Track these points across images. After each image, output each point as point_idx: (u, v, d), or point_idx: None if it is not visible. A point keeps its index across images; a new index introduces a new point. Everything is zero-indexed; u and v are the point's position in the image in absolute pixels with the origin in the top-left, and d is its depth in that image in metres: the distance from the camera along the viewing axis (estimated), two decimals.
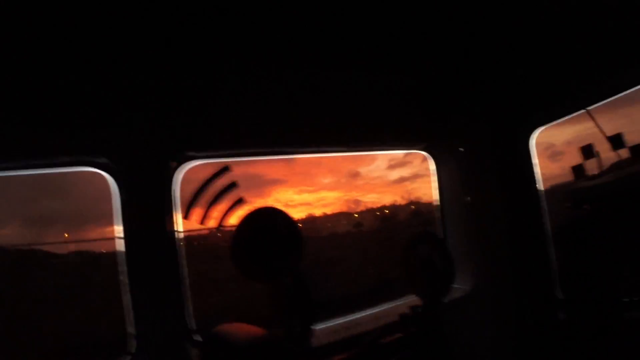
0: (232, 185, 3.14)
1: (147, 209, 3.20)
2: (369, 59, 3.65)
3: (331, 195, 6.41)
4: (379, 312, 4.13)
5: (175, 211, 3.35)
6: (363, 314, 4.10)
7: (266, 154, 3.90)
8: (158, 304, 3.20)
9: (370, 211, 6.03)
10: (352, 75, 3.75)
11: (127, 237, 3.17)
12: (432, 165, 4.73)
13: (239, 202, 3.08)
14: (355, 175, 6.26)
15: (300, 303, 2.59)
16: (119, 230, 3.21)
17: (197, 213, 3.08)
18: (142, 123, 3.18)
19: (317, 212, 6.24)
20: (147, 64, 3.10)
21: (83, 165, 3.22)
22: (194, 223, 3.11)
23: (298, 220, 6.05)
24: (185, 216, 3.17)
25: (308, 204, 6.21)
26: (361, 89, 3.85)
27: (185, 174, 3.47)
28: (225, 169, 3.20)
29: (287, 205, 5.99)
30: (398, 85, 4.03)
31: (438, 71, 4.04)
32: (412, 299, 3.85)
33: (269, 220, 2.97)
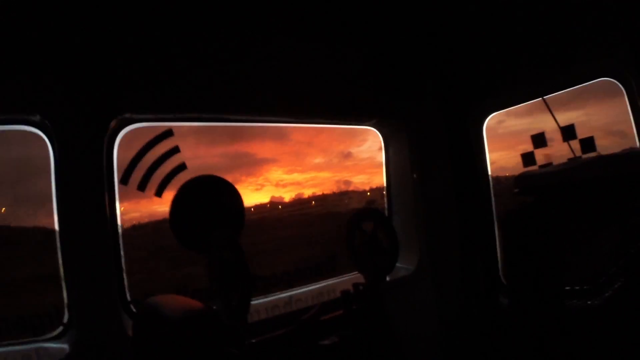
0: (175, 151, 3.02)
1: (82, 171, 3.02)
2: (322, 30, 3.58)
3: (321, 176, 6.34)
4: (321, 287, 4.10)
5: (113, 176, 3.19)
6: (304, 289, 4.06)
7: (209, 120, 3.76)
8: (92, 272, 3.07)
9: (358, 192, 6.02)
10: (304, 45, 3.67)
11: (60, 201, 3.02)
12: (381, 141, 4.69)
13: (181, 168, 2.97)
14: (347, 155, 6.20)
15: (238, 276, 2.51)
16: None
17: (136, 179, 2.96)
18: (80, 80, 3.00)
19: (307, 192, 6.18)
20: (89, 17, 2.92)
21: (18, 124, 3.06)
22: (133, 189, 3.00)
23: (288, 199, 6.00)
24: (124, 181, 3.04)
25: (298, 183, 6.14)
26: (314, 61, 3.77)
27: (125, 138, 3.29)
28: (168, 132, 3.08)
29: (277, 184, 5.97)
30: (350, 60, 3.98)
31: (392, 47, 4.00)
32: (355, 276, 3.83)
33: (211, 189, 2.88)
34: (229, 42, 3.38)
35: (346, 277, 4.23)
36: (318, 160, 6.37)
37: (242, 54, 3.45)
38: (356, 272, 3.71)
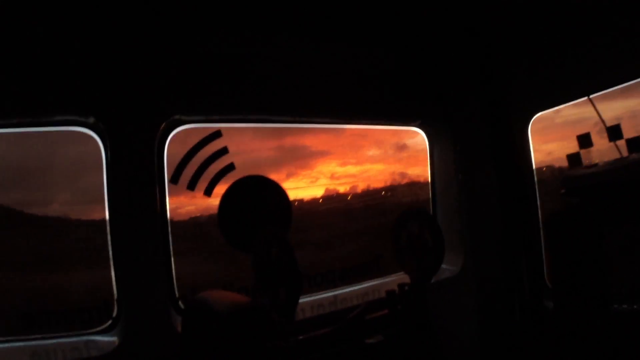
0: (223, 151, 3.09)
1: (134, 171, 3.14)
2: (367, 33, 3.60)
3: (374, 168, 6.32)
4: (366, 287, 4.12)
5: (163, 175, 3.29)
6: (350, 289, 4.08)
7: (255, 121, 3.83)
8: (142, 269, 3.17)
9: (412, 185, 5.97)
10: (349, 49, 3.69)
11: (112, 200, 3.13)
12: (426, 142, 4.67)
13: (229, 168, 3.03)
14: (402, 147, 6.16)
15: (286, 274, 2.55)
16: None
17: (185, 178, 3.04)
18: (132, 83, 3.12)
19: (361, 185, 6.16)
20: (140, 24, 3.03)
21: (72, 125, 3.18)
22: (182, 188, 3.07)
23: (341, 192, 5.99)
24: (174, 181, 3.12)
25: (352, 175, 6.13)
26: (358, 64, 3.80)
27: (174, 138, 3.39)
28: (217, 134, 3.15)
29: (332, 177, 5.98)
30: (394, 62, 3.99)
31: (435, 48, 3.98)
32: (400, 277, 3.83)
33: (258, 189, 2.94)
34: (275, 46, 3.44)
35: (392, 278, 4.22)
36: (372, 152, 6.33)
37: (288, 57, 3.51)
38: (402, 273, 3.72)
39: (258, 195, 2.94)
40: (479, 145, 4.42)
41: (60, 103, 3.04)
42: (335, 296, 3.90)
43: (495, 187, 4.38)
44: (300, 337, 2.80)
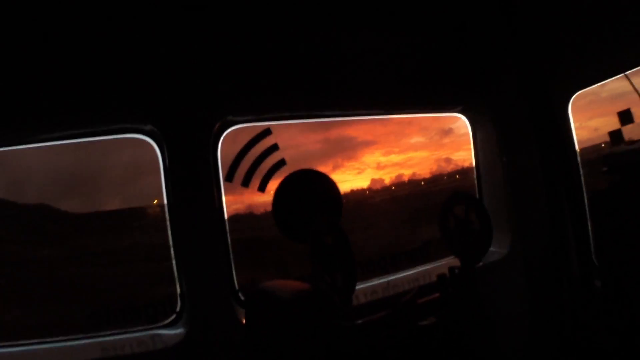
0: (274, 148, 3.20)
1: (190, 172, 3.30)
2: (404, 20, 3.64)
3: (418, 155, 6.32)
4: (417, 273, 4.19)
5: (219, 174, 3.44)
6: (401, 275, 4.17)
7: (303, 117, 3.94)
8: (202, 264, 3.33)
9: (457, 171, 5.94)
10: (388, 38, 3.76)
11: (171, 200, 3.29)
12: (468, 127, 4.70)
13: (281, 164, 3.15)
14: (448, 132, 6.15)
15: (342, 259, 2.65)
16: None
17: (240, 175, 3.16)
18: (185, 89, 3.27)
19: (406, 172, 6.18)
20: (189, 30, 3.16)
21: (130, 133, 3.36)
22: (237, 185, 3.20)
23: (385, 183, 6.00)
24: (229, 179, 3.26)
25: (397, 164, 6.15)
26: (398, 52, 3.85)
27: (225, 139, 3.54)
28: (267, 131, 3.27)
29: (377, 167, 6.03)
30: (433, 48, 4.02)
31: (472, 31, 4.01)
32: (451, 260, 3.88)
33: (309, 182, 3.04)
34: (317, 42, 3.54)
35: (442, 262, 4.29)
36: (415, 139, 6.29)
37: (330, 52, 3.60)
38: (451, 257, 3.76)
39: (309, 188, 3.04)
40: (521, 126, 4.40)
41: (116, 112, 3.22)
42: (387, 282, 4.00)
43: (539, 167, 4.39)
44: (359, 321, 2.89)
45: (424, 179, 6.26)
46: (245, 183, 3.27)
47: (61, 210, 4.61)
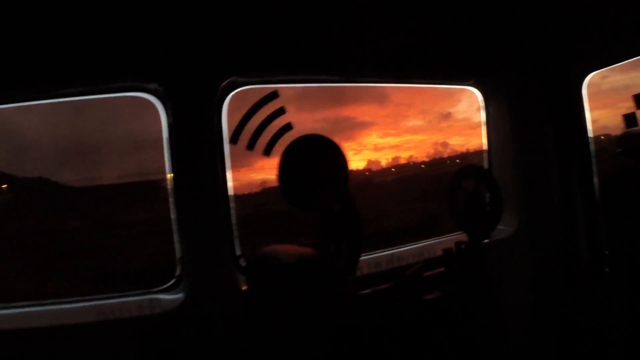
0: (281, 111, 3.13)
1: (195, 133, 3.24)
2: None
3: (416, 139, 6.30)
4: (422, 247, 4.14)
5: (222, 136, 3.38)
6: (406, 248, 4.12)
7: (311, 81, 3.90)
8: (203, 229, 3.28)
9: (457, 155, 5.91)
10: (400, 2, 3.66)
11: (174, 161, 3.24)
12: (480, 101, 4.60)
13: (287, 128, 3.07)
14: (447, 116, 6.11)
15: (349, 229, 2.59)
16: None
17: (245, 138, 3.10)
18: (190, 48, 3.20)
19: (404, 155, 6.17)
20: None
21: (134, 91, 3.31)
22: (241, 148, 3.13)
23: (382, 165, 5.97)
24: (233, 141, 3.19)
25: (394, 147, 6.13)
26: (411, 19, 3.75)
27: (230, 100, 3.47)
28: (274, 94, 3.19)
29: (375, 148, 6.00)
30: (447, 18, 3.90)
31: (493, 6, 3.90)
32: (458, 235, 3.83)
33: (315, 148, 2.97)
34: (330, 4, 3.44)
35: (449, 237, 4.22)
36: (413, 122, 6.27)
37: (343, 16, 3.51)
38: (459, 232, 3.72)
39: (316, 154, 2.97)
40: (534, 104, 4.35)
41: (120, 70, 3.16)
42: (392, 255, 3.95)
43: (551, 146, 4.31)
44: (363, 292, 2.86)
45: (423, 162, 6.23)
46: (250, 147, 3.20)
47: (61, 183, 4.60)
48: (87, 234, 4.66)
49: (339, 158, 2.99)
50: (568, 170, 4.30)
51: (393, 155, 6.11)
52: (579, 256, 4.27)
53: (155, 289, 3.43)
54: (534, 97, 4.32)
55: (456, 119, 5.87)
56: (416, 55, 3.93)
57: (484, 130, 4.61)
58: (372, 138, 6.01)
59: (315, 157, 2.97)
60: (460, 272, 3.35)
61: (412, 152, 6.25)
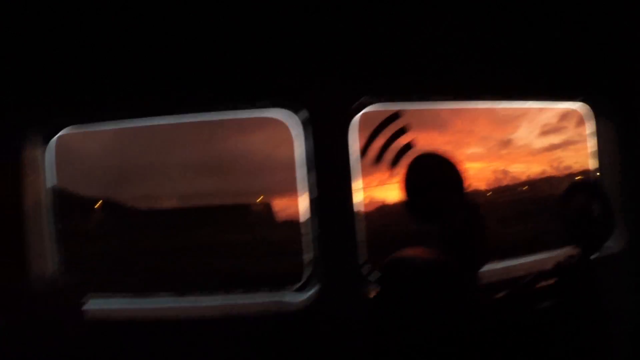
0: (403, 130, 3.38)
1: (331, 149, 3.56)
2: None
3: (475, 167, 6.27)
4: (534, 261, 4.23)
5: (353, 152, 3.66)
6: (518, 261, 4.24)
7: (429, 102, 4.10)
8: (333, 236, 3.58)
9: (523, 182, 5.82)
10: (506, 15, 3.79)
11: (310, 175, 3.59)
12: (588, 121, 4.56)
13: (409, 146, 3.30)
14: (507, 143, 6.04)
15: (475, 238, 2.78)
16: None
17: (372, 154, 3.37)
18: (330, 71, 3.53)
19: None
20: (329, 16, 3.40)
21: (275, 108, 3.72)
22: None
23: None
24: (362, 155, 3.48)
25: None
26: (518, 36, 3.91)
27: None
28: (396, 114, 3.44)
29: None
30: (556, 31, 3.96)
31: (595, 17, 3.92)
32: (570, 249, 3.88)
33: (431, 164, 3.16)
34: (447, 29, 3.69)
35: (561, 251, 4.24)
36: (471, 150, 6.15)
37: (455, 36, 3.74)
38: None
39: (434, 170, 3.14)
40: None
41: (265, 92, 3.56)
42: (506, 267, 4.10)
43: None
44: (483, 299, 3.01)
45: (484, 190, 6.12)
46: (377, 161, 3.44)
47: None
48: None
49: (456, 171, 3.15)
50: None
51: None
52: None
53: (283, 291, 3.75)
54: None
55: (516, 145, 5.74)
56: (524, 73, 4.01)
57: (590, 146, 4.59)
58: None
59: (435, 172, 3.15)
60: (571, 286, 3.42)
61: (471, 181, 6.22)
